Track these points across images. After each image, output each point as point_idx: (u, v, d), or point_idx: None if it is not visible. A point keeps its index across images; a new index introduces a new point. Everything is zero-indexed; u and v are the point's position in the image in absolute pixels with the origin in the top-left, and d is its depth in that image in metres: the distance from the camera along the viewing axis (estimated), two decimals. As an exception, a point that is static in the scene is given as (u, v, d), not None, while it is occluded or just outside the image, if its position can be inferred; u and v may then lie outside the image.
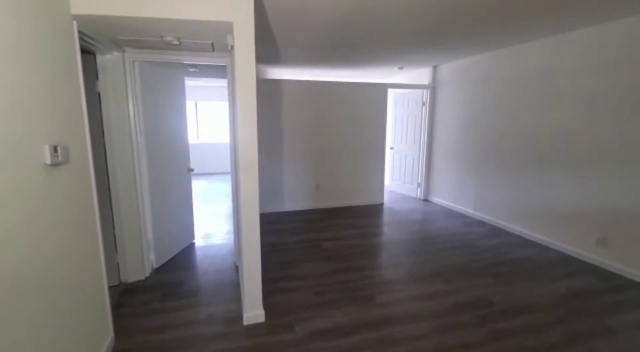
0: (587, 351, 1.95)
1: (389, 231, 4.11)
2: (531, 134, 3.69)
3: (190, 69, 3.83)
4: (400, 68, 5.38)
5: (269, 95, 4.65)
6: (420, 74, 5.62)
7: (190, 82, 7.08)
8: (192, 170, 3.49)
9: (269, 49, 4.03)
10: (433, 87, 5.34)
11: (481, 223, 4.35)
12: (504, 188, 4.10)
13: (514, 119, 3.89)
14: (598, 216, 3.08)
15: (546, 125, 3.51)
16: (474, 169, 4.58)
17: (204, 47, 2.54)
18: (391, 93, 6.14)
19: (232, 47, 2.12)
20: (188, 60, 2.71)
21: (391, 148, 6.27)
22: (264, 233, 3.88)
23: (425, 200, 5.64)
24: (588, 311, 2.37)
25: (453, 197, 5.04)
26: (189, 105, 7.93)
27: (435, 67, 5.29)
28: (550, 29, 3.18)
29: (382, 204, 5.41)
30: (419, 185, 5.74)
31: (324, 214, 4.81)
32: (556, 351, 1.96)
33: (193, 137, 8.43)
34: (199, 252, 3.42)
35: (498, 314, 2.33)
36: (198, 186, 6.83)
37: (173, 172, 3.21)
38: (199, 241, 3.72)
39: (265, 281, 2.40)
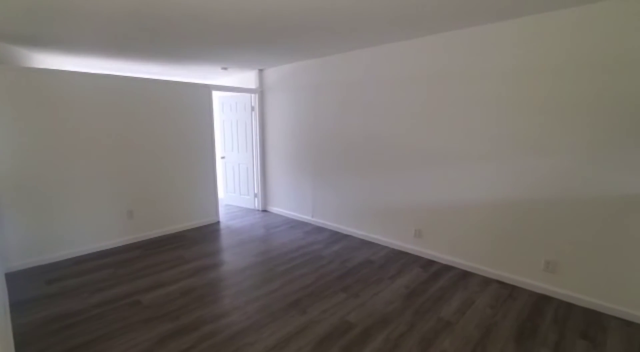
0: (438, 354, 2.03)
1: (230, 257, 3.50)
2: (358, 138, 3.91)
3: None
4: (225, 68, 4.81)
5: (38, 93, 3.13)
6: (248, 77, 5.22)
7: None
8: None
9: (30, 22, 2.63)
10: (261, 91, 5.05)
11: (321, 229, 4.38)
12: (337, 192, 4.23)
13: (344, 124, 4.05)
14: (415, 212, 3.51)
15: (371, 131, 3.78)
16: (309, 176, 4.57)
17: None
18: (217, 96, 5.48)
19: None
20: None
21: (222, 157, 5.62)
22: (36, 301, 2.56)
23: (265, 211, 5.32)
24: (425, 308, 2.55)
25: (292, 205, 4.92)
26: None
27: (261, 71, 5.00)
28: (370, 41, 3.38)
29: (218, 222, 4.71)
30: (256, 195, 5.36)
31: (142, 249, 3.70)
32: (417, 366, 1.93)
33: None
34: None
35: (360, 337, 2.17)
36: None
37: None
38: None
39: None
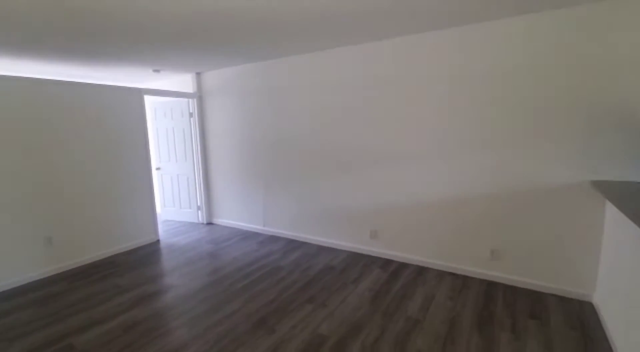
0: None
1: (178, 280, 3.14)
2: (309, 143, 3.84)
3: None
4: (157, 71, 4.36)
5: None
6: (184, 81, 4.81)
7: None
8: None
9: None
10: (200, 96, 4.70)
11: (275, 239, 4.20)
12: (290, 199, 4.11)
13: (293, 130, 3.94)
14: (369, 213, 3.55)
15: (321, 135, 3.74)
16: (259, 183, 4.36)
17: None
18: (149, 102, 4.95)
19: None
20: None
21: (157, 169, 5.09)
22: None
23: (210, 224, 4.94)
24: (392, 309, 2.56)
25: (241, 215, 4.65)
26: None
27: (199, 74, 4.66)
28: (315, 45, 3.35)
29: (158, 241, 4.23)
30: (199, 208, 4.95)
31: (67, 281, 3.13)
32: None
33: None
34: None
35: (335, 349, 2.08)
36: None
37: None
38: None
39: None
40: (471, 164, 2.92)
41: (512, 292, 2.75)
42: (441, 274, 3.10)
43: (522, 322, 2.34)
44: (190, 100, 4.66)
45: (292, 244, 3.98)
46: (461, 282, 2.94)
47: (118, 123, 3.75)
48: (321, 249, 3.80)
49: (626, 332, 1.91)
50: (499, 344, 2.11)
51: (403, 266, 3.31)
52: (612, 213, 2.33)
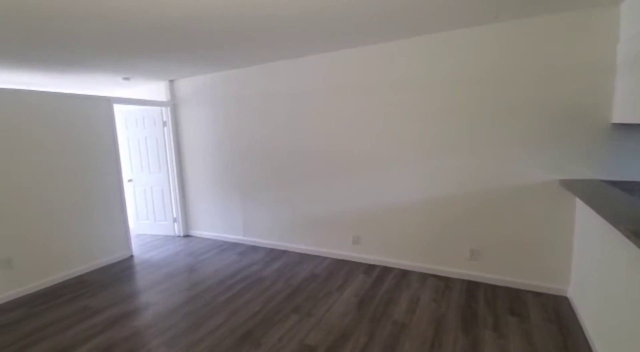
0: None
1: (155, 297, 2.98)
2: (286, 150, 3.81)
3: None
4: (127, 79, 4.20)
5: None
6: (156, 89, 4.65)
7: None
8: None
9: None
10: (174, 104, 4.56)
11: (255, 248, 4.11)
12: (269, 207, 4.05)
13: (270, 137, 3.90)
14: (351, 218, 3.55)
15: (298, 142, 3.72)
16: (237, 192, 4.27)
17: None
18: (119, 111, 4.74)
19: None
20: None
21: (129, 180, 4.86)
22: None
23: (187, 236, 4.77)
24: (378, 314, 2.56)
25: (219, 226, 4.52)
26: None
27: (172, 82, 4.53)
28: (291, 52, 3.35)
29: (132, 256, 4.02)
30: (175, 220, 4.77)
31: (28, 306, 2.89)
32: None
33: None
34: None
35: (324, 360, 2.05)
36: None
37: None
38: None
39: None
40: (448, 167, 3.00)
41: (492, 291, 2.83)
42: (424, 277, 3.15)
43: (503, 320, 2.40)
44: (164, 108, 4.51)
45: (274, 253, 3.90)
46: (444, 284, 2.99)
47: (86, 133, 3.56)
48: (303, 257, 3.75)
49: (598, 323, 2.00)
50: (483, 343, 2.15)
51: (387, 270, 3.33)
52: (581, 209, 2.46)
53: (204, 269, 3.54)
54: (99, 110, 3.69)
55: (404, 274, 3.23)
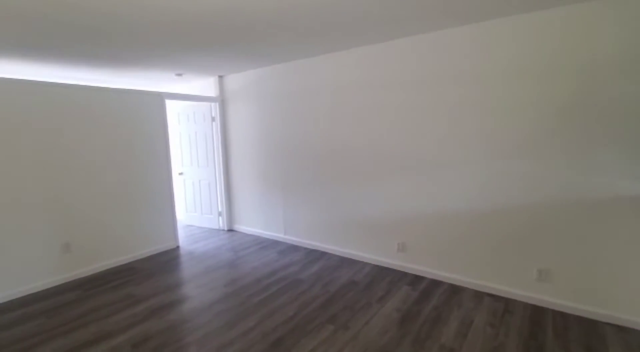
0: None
1: (193, 291, 3.01)
2: (332, 147, 3.64)
3: None
4: (179, 75, 4.33)
5: None
6: (207, 84, 4.76)
7: None
8: None
9: None
10: (222, 100, 4.62)
11: (295, 248, 4.00)
12: (311, 207, 3.91)
13: (316, 133, 3.75)
14: (397, 224, 3.27)
15: (345, 139, 3.52)
16: (279, 190, 4.20)
17: None
18: (172, 106, 4.95)
19: None
20: None
21: (180, 174, 5.06)
22: None
23: (231, 230, 4.83)
24: (423, 334, 2.28)
25: (261, 223, 4.50)
26: None
27: (221, 77, 4.59)
28: (341, 44, 3.15)
29: (178, 247, 4.15)
30: (220, 214, 4.86)
31: (82, 290, 3.07)
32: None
33: None
34: None
35: (358, 382, 1.85)
36: None
37: None
38: None
39: None
40: (514, 172, 2.60)
41: (563, 320, 2.39)
42: (479, 295, 2.78)
43: (580, 359, 1.99)
44: (213, 104, 4.59)
45: (313, 255, 3.76)
46: (503, 306, 2.60)
47: (138, 128, 3.72)
48: (343, 261, 3.56)
49: None
50: (553, 386, 1.78)
51: (435, 283, 3.01)
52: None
53: (242, 266, 3.51)
54: (153, 105, 3.83)
55: (455, 289, 2.88)
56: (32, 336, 2.34)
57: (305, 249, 3.96)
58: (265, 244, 4.20)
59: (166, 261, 3.72)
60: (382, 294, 2.84)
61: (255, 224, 4.57)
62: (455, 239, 2.95)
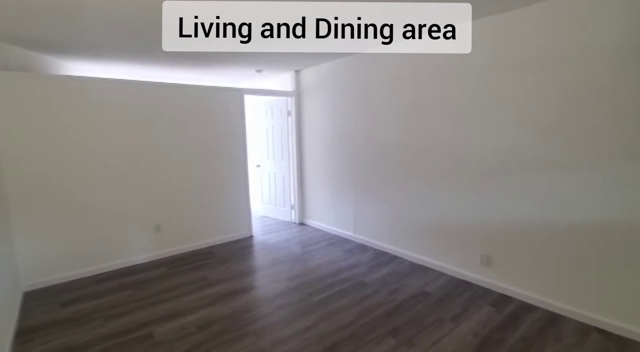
0: None
1: (260, 281, 3.08)
2: (407, 143, 3.33)
3: None
4: (259, 71, 4.49)
5: (59, 101, 2.99)
6: (284, 79, 4.86)
7: None
8: None
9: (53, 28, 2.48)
10: (298, 94, 4.66)
11: (364, 248, 3.81)
12: (384, 206, 3.65)
13: (390, 128, 3.49)
14: (482, 232, 2.82)
15: (424, 134, 3.18)
16: (350, 186, 4.05)
17: None
18: (252, 101, 5.19)
19: None
20: None
21: (257, 166, 5.31)
22: (43, 329, 2.30)
23: (302, 224, 4.88)
24: (507, 367, 1.89)
25: (331, 219, 4.42)
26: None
27: (297, 72, 4.62)
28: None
29: (252, 237, 4.35)
30: (292, 207, 4.94)
31: (167, 267, 3.41)
32: None
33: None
34: None
35: (418, 413, 1.60)
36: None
37: None
38: None
39: None
40: (630, 177, 1.96)
41: None
42: (584, 329, 2.20)
43: None
44: (289, 98, 4.66)
45: (382, 257, 3.52)
46: (615, 346, 2.01)
47: (219, 122, 3.96)
48: (415, 268, 3.24)
49: None
50: None
51: (526, 308, 2.50)
52: None
53: (308, 261, 3.48)
54: (232, 101, 4.05)
55: (553, 318, 2.35)
56: (121, 304, 2.67)
57: (375, 250, 3.74)
58: (334, 241, 4.10)
59: (239, 249, 3.91)
60: (457, 311, 2.47)
61: (326, 219, 4.51)
62: (554, 256, 2.39)
